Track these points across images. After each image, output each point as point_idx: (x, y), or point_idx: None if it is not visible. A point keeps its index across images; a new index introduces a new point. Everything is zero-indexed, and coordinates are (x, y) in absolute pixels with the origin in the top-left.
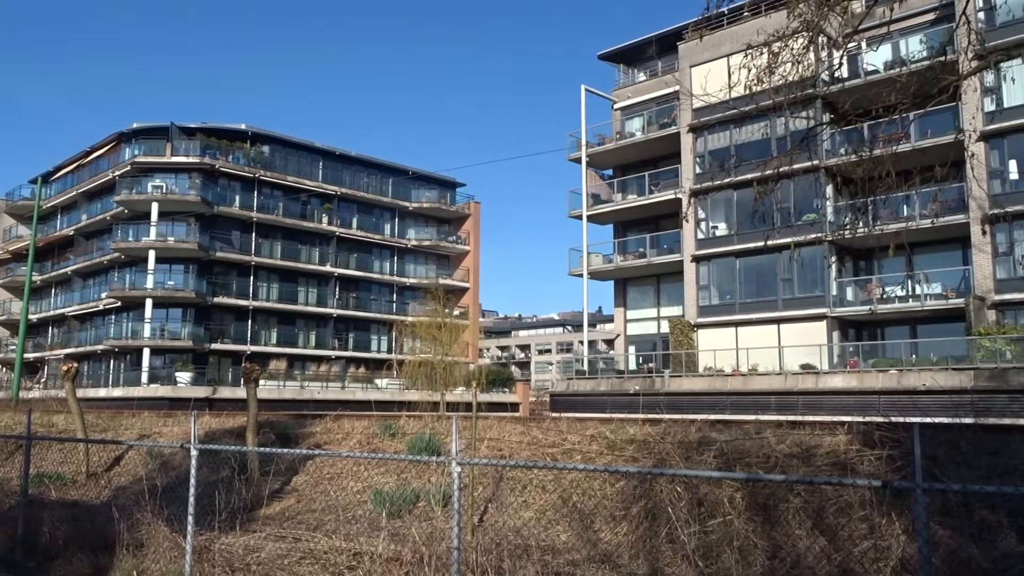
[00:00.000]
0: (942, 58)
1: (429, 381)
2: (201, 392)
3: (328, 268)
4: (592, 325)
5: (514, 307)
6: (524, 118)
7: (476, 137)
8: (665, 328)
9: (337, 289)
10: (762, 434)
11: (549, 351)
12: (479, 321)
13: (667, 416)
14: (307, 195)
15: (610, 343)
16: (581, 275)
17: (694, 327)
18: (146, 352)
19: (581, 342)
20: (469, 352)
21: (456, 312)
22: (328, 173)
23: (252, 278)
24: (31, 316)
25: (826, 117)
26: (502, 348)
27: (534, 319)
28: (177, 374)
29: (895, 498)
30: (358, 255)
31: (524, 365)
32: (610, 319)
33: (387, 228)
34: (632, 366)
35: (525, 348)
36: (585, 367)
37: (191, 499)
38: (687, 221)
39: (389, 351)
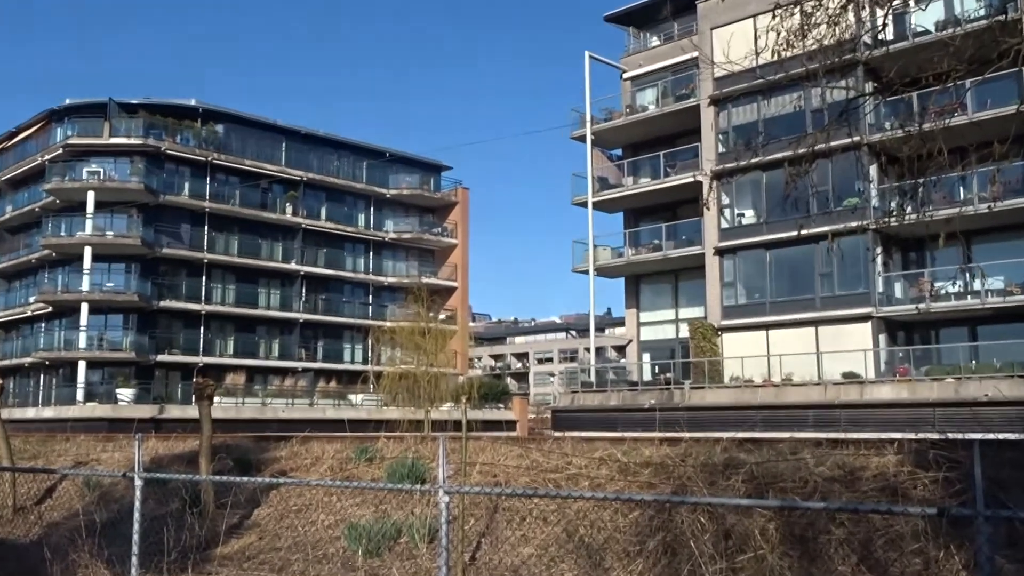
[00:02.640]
0: (1002, 17)
1: (411, 396)
2: (146, 411)
3: (293, 266)
4: (600, 329)
5: (509, 310)
6: (519, 91)
7: (463, 114)
8: (684, 332)
9: (304, 290)
10: (799, 455)
11: (550, 360)
12: (469, 326)
13: (688, 434)
14: (268, 181)
15: (621, 350)
16: (586, 272)
17: (718, 331)
18: (81, 365)
19: (587, 349)
20: (457, 362)
21: (442, 316)
22: (292, 156)
23: (205, 278)
24: None
25: (868, 86)
26: (496, 357)
27: (532, 323)
28: (118, 391)
29: (953, 528)
30: (328, 250)
31: (521, 377)
32: (621, 322)
33: (361, 219)
34: (647, 376)
35: (522, 357)
36: (592, 378)
37: (135, 537)
38: (709, 208)
39: (365, 362)
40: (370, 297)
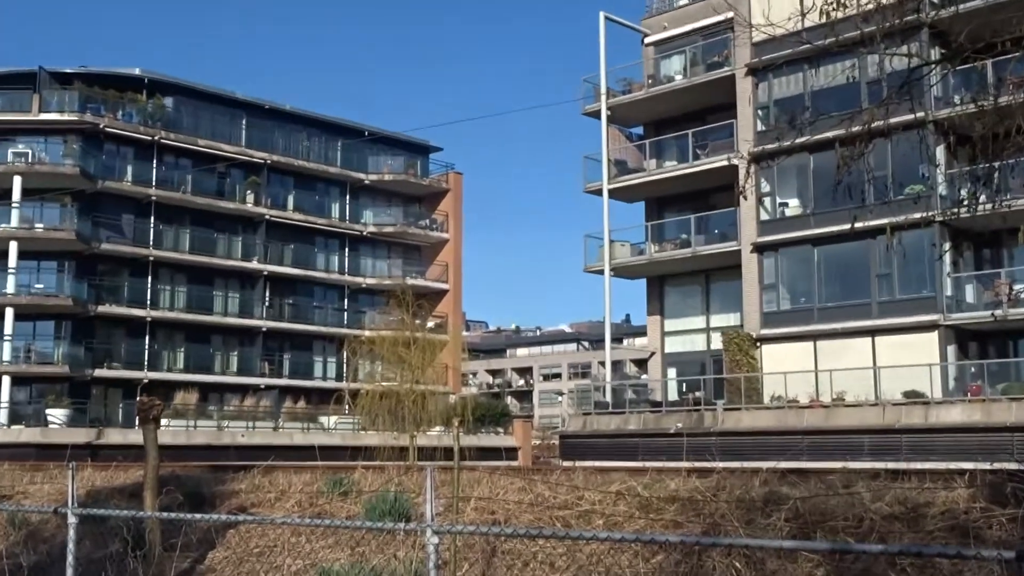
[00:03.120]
0: None
1: (394, 419)
2: (81, 436)
3: (255, 264)
4: (617, 340)
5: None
6: (521, 58)
7: (455, 86)
8: (717, 343)
9: (267, 293)
10: (852, 488)
11: (558, 376)
12: (462, 336)
13: (721, 464)
14: (226, 165)
15: (642, 364)
16: (601, 271)
17: (757, 341)
18: (5, 381)
19: (602, 363)
20: (449, 379)
21: (430, 324)
22: (255, 135)
23: (151, 279)
24: None
25: (935, 53)
26: (494, 373)
27: (537, 333)
28: (48, 412)
29: None
30: (296, 246)
31: (524, 395)
32: (641, 331)
33: (335, 209)
34: (672, 396)
35: (525, 372)
36: (608, 397)
37: None
38: (746, 197)
39: (339, 378)
40: (345, 301)
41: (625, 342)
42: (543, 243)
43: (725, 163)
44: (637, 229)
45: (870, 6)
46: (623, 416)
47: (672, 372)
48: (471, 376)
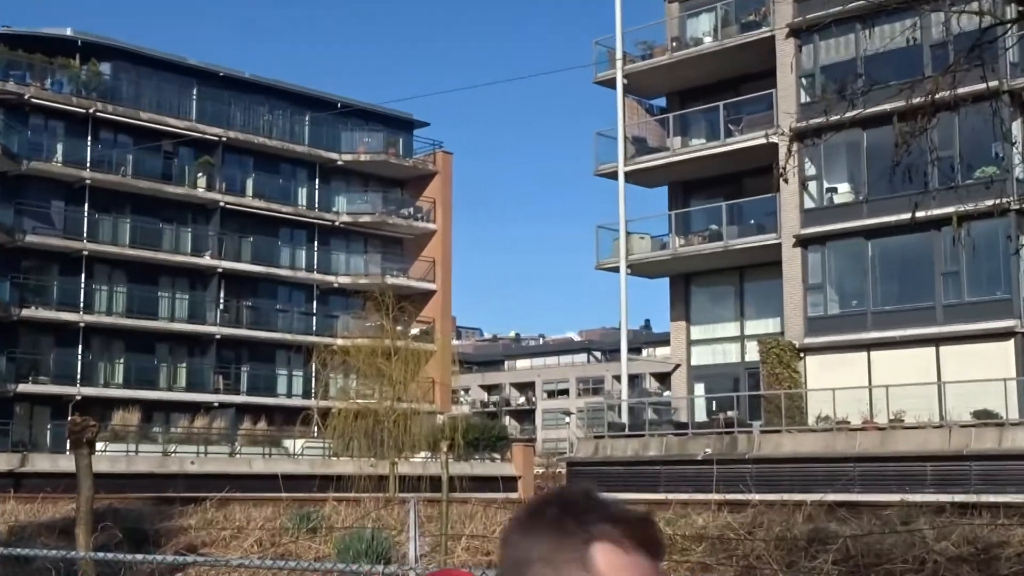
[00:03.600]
0: None
1: (371, 443)
2: (2, 463)
3: (207, 260)
4: (635, 350)
5: (508, 322)
6: (520, 19)
7: (444, 50)
8: (753, 354)
9: (222, 294)
10: (912, 525)
11: (565, 392)
12: (452, 345)
13: (757, 497)
14: (173, 142)
15: (664, 379)
16: (615, 269)
17: (800, 352)
18: None
19: (616, 377)
20: (436, 395)
21: (415, 330)
22: (208, 107)
23: (85, 277)
24: None
25: (1010, 11)
26: (489, 388)
27: (541, 342)
28: None
29: None
30: (256, 239)
31: (525, 415)
32: (664, 340)
33: (302, 194)
34: (700, 416)
35: (526, 388)
36: (624, 418)
37: None
38: (787, 180)
39: (306, 394)
40: (314, 304)
41: (644, 352)
42: (547, 236)
43: (762, 141)
44: (659, 219)
45: None
46: (642, 440)
47: (699, 388)
48: (462, 393)
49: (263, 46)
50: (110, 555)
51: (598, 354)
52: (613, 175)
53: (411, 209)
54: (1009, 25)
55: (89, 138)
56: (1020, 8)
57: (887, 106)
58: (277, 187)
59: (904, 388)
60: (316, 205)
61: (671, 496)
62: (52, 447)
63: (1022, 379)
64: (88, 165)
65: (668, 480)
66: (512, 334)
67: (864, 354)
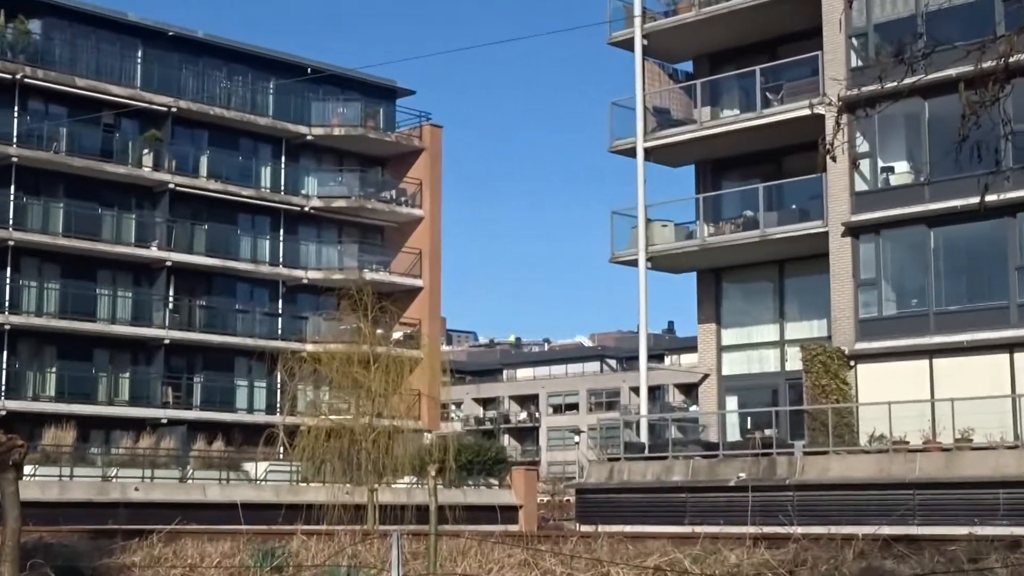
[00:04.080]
0: None
1: (347, 466)
2: None
3: (154, 252)
4: (656, 357)
5: (507, 325)
6: None
7: (430, 6)
8: (795, 362)
9: (172, 292)
10: (982, 562)
11: (574, 407)
12: (442, 352)
13: (800, 529)
14: (114, 113)
15: (690, 391)
16: (633, 262)
17: (850, 359)
18: None
19: (635, 389)
20: (423, 411)
21: (398, 334)
22: (155, 72)
23: (10, 271)
24: None
25: None
26: (485, 402)
27: (545, 347)
28: None
29: None
30: (211, 227)
31: (526, 433)
32: (690, 346)
33: (266, 175)
34: (733, 434)
35: (528, 402)
36: (643, 436)
37: None
38: (835, 159)
39: (271, 409)
40: (280, 303)
41: (667, 360)
42: (553, 224)
43: (806, 112)
44: (684, 204)
45: None
46: (664, 463)
47: (732, 402)
48: (454, 407)
49: (220, 1)
50: None
51: (612, 362)
52: (631, 152)
53: (393, 192)
54: None
55: (15, 109)
56: None
57: (952, 71)
58: (236, 166)
59: (973, 402)
60: (282, 187)
61: (699, 529)
62: None
63: None
64: (14, 140)
65: (696, 510)
66: (512, 339)
67: (925, 362)
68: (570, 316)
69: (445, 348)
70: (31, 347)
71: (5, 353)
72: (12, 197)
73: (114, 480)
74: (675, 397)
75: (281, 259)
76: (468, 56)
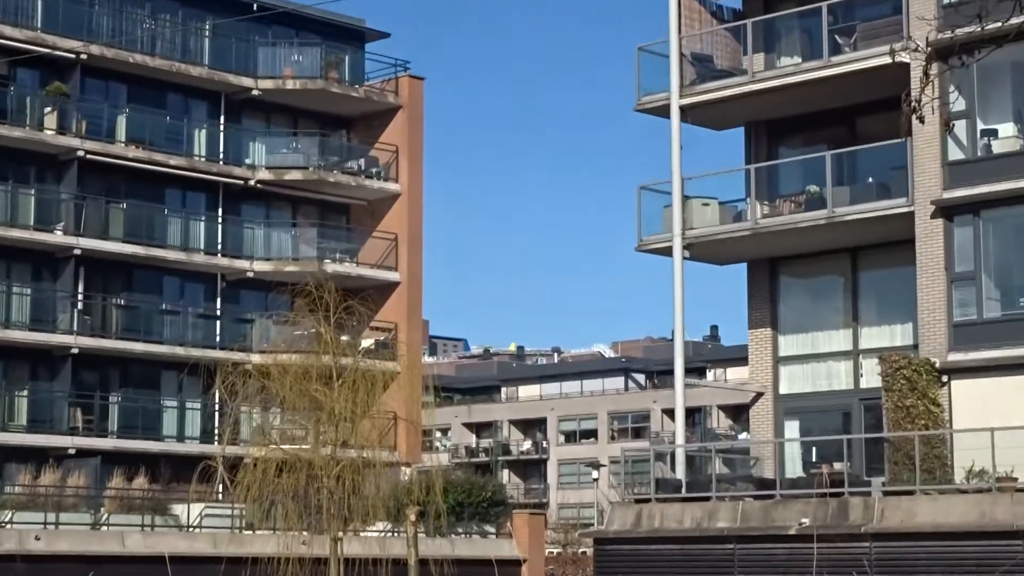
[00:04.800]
0: None
1: (304, 509)
2: None
3: (59, 237)
4: (695, 371)
5: (508, 331)
6: None
7: None
8: (872, 379)
9: (81, 287)
10: None
11: (591, 434)
12: (425, 364)
13: None
14: (7, 61)
15: (739, 413)
16: (667, 250)
17: (942, 374)
18: None
19: (668, 412)
20: (400, 438)
21: (368, 342)
22: (59, 8)
23: None
24: None
25: None
26: (480, 427)
27: (556, 359)
28: None
29: None
30: (131, 205)
31: (531, 467)
32: (739, 357)
33: (200, 140)
34: (794, 469)
35: (533, 427)
36: (679, 471)
37: None
38: (922, 120)
39: (206, 437)
40: (218, 303)
41: (710, 375)
42: (565, 204)
43: (886, 60)
44: (731, 177)
45: None
46: (706, 505)
47: (792, 427)
48: (440, 434)
49: None
50: None
51: (640, 377)
52: (663, 111)
53: (362, 161)
54: None
55: None
56: None
57: None
58: (162, 128)
59: None
60: (221, 155)
61: None
62: None
63: None
64: None
65: (746, 565)
66: (512, 348)
67: None
68: (587, 319)
69: (428, 360)
70: None
71: None
72: None
73: (8, 526)
74: (720, 422)
75: (220, 246)
76: None
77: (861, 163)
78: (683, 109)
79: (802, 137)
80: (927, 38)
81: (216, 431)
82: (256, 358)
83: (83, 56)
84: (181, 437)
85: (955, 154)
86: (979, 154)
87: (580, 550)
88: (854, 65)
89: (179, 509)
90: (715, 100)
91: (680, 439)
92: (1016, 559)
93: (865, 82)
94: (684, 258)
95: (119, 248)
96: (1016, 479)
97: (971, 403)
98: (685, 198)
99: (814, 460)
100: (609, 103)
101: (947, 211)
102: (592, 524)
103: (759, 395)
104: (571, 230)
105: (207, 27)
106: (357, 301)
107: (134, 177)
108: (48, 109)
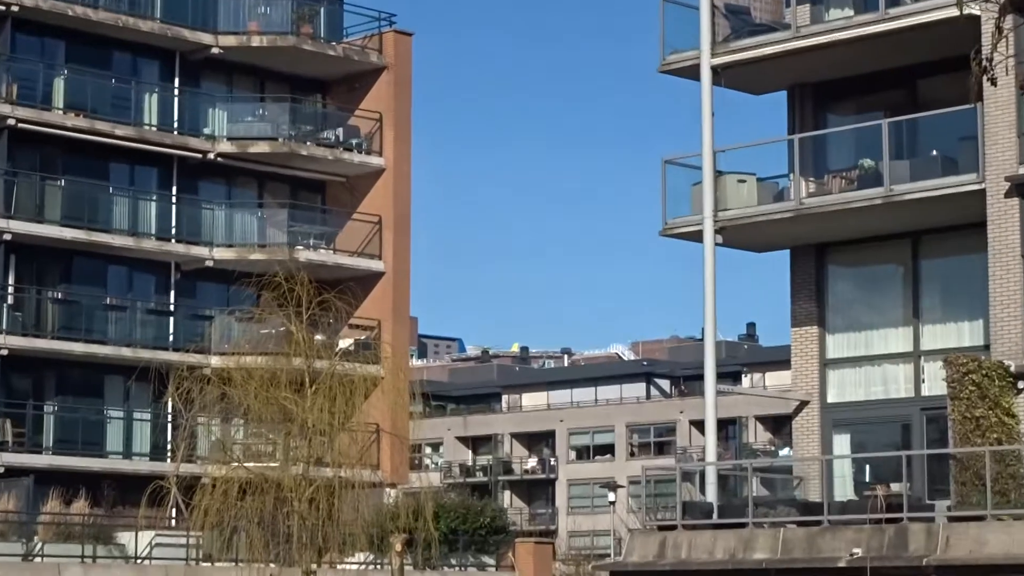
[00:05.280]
0: None
1: (271, 538)
2: None
3: None
4: (728, 377)
5: (510, 330)
6: None
7: None
8: (935, 386)
9: (12, 278)
10: None
11: (607, 449)
12: (414, 367)
13: None
14: None
15: (779, 426)
16: (696, 235)
17: (1016, 380)
18: None
19: (698, 424)
20: (384, 455)
21: (346, 342)
22: None
23: None
24: None
25: None
26: (477, 442)
27: (566, 362)
28: None
29: None
30: (71, 183)
31: (537, 487)
32: (779, 360)
33: (151, 106)
34: (843, 490)
35: (539, 442)
36: (710, 493)
37: None
38: (994, 82)
39: (158, 453)
40: (172, 296)
41: (746, 380)
42: (576, 181)
43: (952, 12)
44: (772, 150)
45: None
46: (742, 533)
47: (842, 442)
48: (430, 450)
49: None
50: None
51: (664, 383)
52: (692, 72)
53: (339, 131)
54: None
55: None
56: None
57: None
58: (107, 93)
59: None
60: (175, 125)
61: None
62: None
63: None
64: None
65: None
66: (515, 349)
67: None
68: (602, 316)
69: (417, 363)
70: None
71: None
72: None
73: None
74: (757, 435)
75: (174, 230)
76: None
77: (923, 133)
78: (715, 70)
79: (854, 103)
80: None
81: (169, 446)
82: (216, 361)
83: (14, 8)
84: (128, 453)
85: None
86: None
87: None
88: (916, 18)
89: (125, 537)
90: (753, 59)
91: (711, 455)
92: None
93: (928, 38)
94: (716, 244)
95: (56, 232)
96: None
97: None
98: (718, 173)
99: (867, 480)
100: (629, 63)
101: None
102: (608, 555)
103: (803, 404)
104: (584, 212)
105: None
106: (334, 294)
107: (74, 149)
108: None
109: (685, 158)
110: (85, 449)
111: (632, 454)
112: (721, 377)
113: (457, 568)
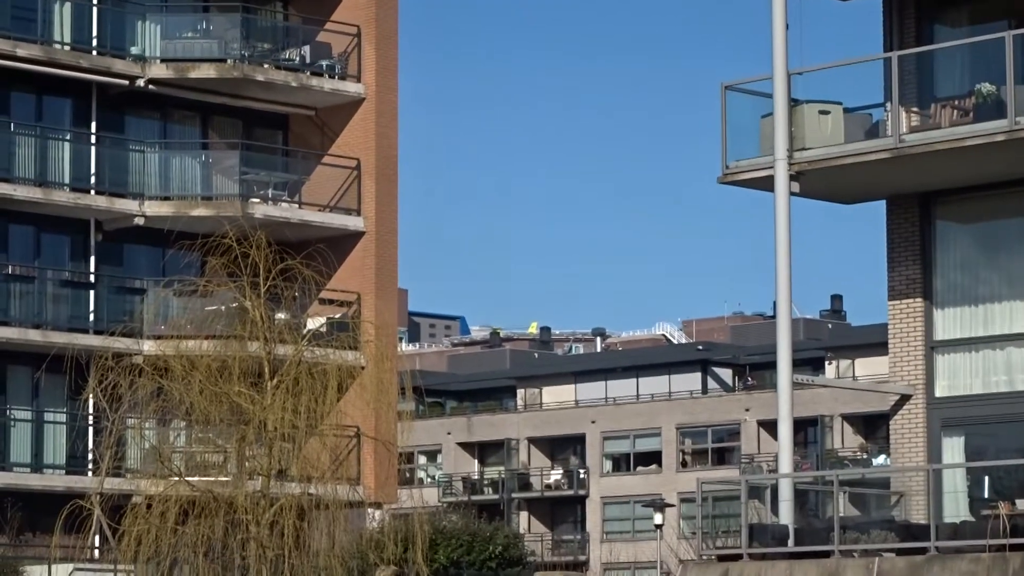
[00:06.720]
0: None
1: (222, 571)
2: None
3: None
4: (808, 364)
5: (525, 306)
6: None
7: None
8: None
9: None
10: None
11: (652, 457)
12: (403, 353)
13: None
14: None
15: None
16: (764, 182)
17: None
18: None
19: (767, 424)
20: (366, 466)
21: (317, 321)
22: None
23: None
24: None
25: None
26: (484, 449)
27: (598, 346)
28: None
29: None
30: None
31: (563, 507)
32: (873, 343)
33: (64, 20)
34: (955, 508)
35: (564, 448)
36: (784, 514)
37: None
38: None
39: (76, 464)
40: (91, 263)
41: (830, 369)
42: (608, 113)
43: None
44: (863, 71)
45: None
46: (826, 563)
47: (954, 447)
48: (425, 460)
49: None
50: None
51: (725, 374)
52: None
53: (306, 50)
54: None
55: None
56: None
57: None
58: (6, 4)
59: None
60: (95, 43)
61: None
62: None
63: None
64: None
65: None
66: (533, 329)
67: None
68: (643, 290)
69: (408, 348)
70: None
71: None
72: None
73: None
74: (845, 439)
75: (94, 179)
76: None
77: None
78: None
79: (968, 10)
80: None
81: (90, 456)
82: (149, 346)
83: None
84: (38, 465)
85: None
86: None
87: None
88: None
89: (36, 571)
90: None
91: (786, 466)
92: None
93: None
94: (792, 193)
95: None
96: None
97: None
98: (793, 102)
99: (986, 496)
100: None
101: None
102: None
103: (905, 398)
104: (619, 154)
105: None
106: (300, 260)
107: None
108: None
109: (751, 82)
110: None
111: (684, 464)
112: (798, 365)
113: None
